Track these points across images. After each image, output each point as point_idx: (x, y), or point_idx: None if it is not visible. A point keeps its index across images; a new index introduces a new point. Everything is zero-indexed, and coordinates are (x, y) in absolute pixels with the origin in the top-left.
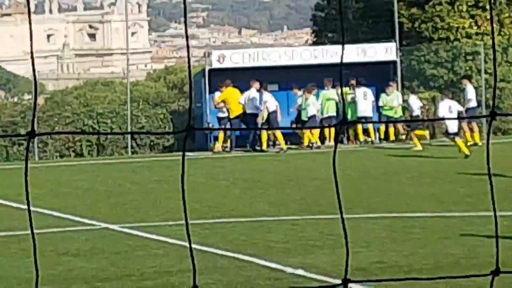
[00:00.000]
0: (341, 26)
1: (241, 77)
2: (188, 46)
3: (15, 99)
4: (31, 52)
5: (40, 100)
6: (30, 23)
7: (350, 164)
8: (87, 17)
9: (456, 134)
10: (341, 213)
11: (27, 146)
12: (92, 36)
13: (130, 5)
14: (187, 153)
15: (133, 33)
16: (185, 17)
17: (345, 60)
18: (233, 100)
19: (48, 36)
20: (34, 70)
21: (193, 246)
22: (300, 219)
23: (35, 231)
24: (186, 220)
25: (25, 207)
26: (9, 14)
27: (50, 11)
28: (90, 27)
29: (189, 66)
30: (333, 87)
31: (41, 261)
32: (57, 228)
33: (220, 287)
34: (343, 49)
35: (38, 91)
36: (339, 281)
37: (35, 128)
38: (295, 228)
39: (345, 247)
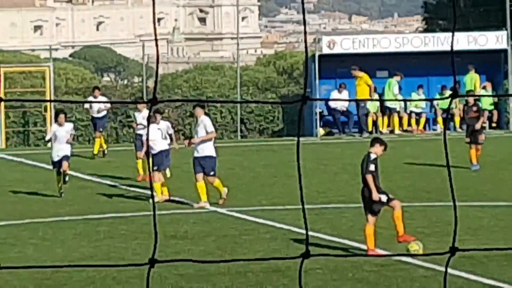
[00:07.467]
0: (453, 13)
1: (350, 63)
2: (305, 32)
3: (125, 82)
4: (155, 34)
5: (150, 83)
6: (153, 10)
7: (458, 152)
8: (198, 1)
9: None
10: (454, 200)
11: (149, 112)
12: (202, 20)
13: None
14: (295, 138)
15: (243, 18)
16: (302, 4)
17: (455, 48)
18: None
19: (159, 19)
20: (156, 41)
21: (301, 231)
22: (408, 206)
23: (143, 213)
24: (302, 203)
25: (133, 189)
26: None
27: None
28: (201, 11)
29: (306, 52)
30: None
31: (148, 243)
32: (166, 211)
33: (327, 272)
34: (453, 36)
35: (148, 74)
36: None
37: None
38: (404, 215)
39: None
